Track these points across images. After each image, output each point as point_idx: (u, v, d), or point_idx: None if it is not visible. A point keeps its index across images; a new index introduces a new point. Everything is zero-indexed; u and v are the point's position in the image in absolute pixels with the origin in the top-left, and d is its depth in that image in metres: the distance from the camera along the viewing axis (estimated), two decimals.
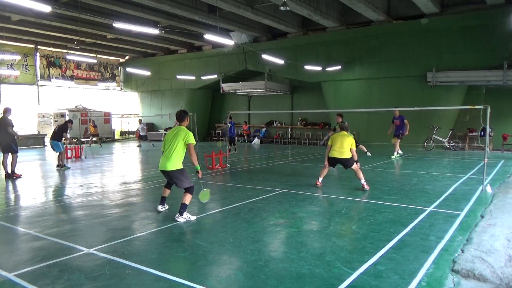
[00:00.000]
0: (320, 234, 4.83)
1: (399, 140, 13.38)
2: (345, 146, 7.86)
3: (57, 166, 11.49)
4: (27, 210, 6.27)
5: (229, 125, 14.81)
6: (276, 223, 5.33)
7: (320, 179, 8.13)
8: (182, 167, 5.64)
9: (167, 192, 6.10)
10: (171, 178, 5.72)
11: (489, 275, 3.47)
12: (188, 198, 5.54)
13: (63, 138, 11.78)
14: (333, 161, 8.04)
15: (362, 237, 4.59)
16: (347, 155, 7.83)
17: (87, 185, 8.62)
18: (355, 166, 7.83)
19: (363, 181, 7.72)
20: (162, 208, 6.05)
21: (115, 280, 3.47)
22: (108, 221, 5.53)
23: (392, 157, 13.32)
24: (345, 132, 8.08)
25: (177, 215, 5.46)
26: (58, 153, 11.61)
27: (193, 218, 5.54)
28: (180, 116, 5.74)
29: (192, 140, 5.54)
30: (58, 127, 12.08)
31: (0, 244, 4.60)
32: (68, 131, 12.45)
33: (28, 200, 7.06)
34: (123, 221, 5.55)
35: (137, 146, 20.46)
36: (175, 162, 5.54)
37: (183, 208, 5.48)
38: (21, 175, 9.94)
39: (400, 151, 13.60)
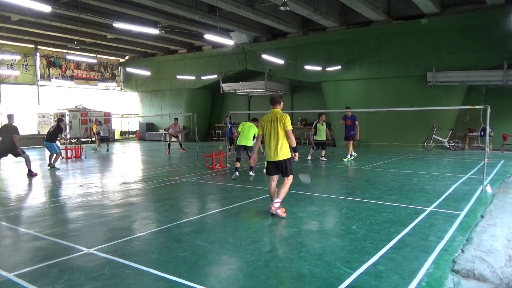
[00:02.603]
0: (320, 234, 4.83)
1: (351, 142, 12.88)
2: (280, 135, 5.41)
3: (52, 166, 11.50)
4: (27, 210, 6.27)
5: (229, 125, 14.84)
6: (276, 223, 5.33)
7: (276, 204, 5.50)
8: (252, 145, 9.41)
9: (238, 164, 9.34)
10: (245, 150, 9.85)
11: (489, 275, 3.47)
12: (253, 161, 7.11)
13: (58, 140, 11.81)
14: (272, 168, 5.68)
15: (362, 237, 4.59)
16: (284, 153, 5.44)
17: (87, 185, 8.62)
18: (289, 179, 5.62)
19: (277, 200, 5.46)
20: (237, 173, 9.18)
21: (115, 280, 3.47)
22: (108, 221, 5.53)
23: (344, 159, 12.73)
24: (277, 110, 5.59)
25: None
26: (54, 154, 11.66)
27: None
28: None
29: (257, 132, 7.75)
30: (53, 129, 12.08)
31: (0, 244, 4.60)
32: (64, 132, 12.52)
33: (28, 200, 7.06)
34: (123, 221, 5.55)
35: (93, 149, 18.70)
36: (251, 141, 9.62)
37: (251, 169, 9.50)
38: (36, 173, 10.33)
39: (354, 153, 12.99)
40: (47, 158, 12.01)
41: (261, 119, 5.84)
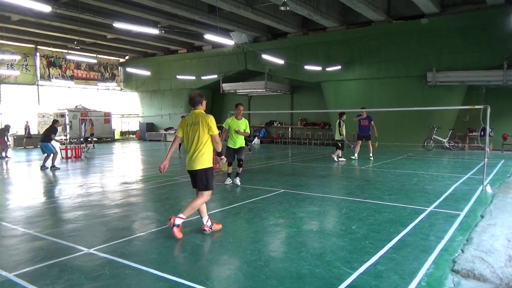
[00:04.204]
0: (320, 234, 4.83)
1: (370, 141, 12.97)
2: (202, 140, 4.63)
3: (51, 167, 11.51)
4: (27, 210, 6.27)
5: None
6: (276, 223, 5.33)
7: (177, 221, 4.56)
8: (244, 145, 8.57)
9: (230, 168, 8.70)
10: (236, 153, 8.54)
11: (489, 275, 3.47)
12: (240, 169, 8.67)
13: (52, 140, 11.82)
14: (192, 178, 4.79)
15: (362, 237, 4.59)
16: (203, 162, 4.63)
17: (87, 185, 8.62)
18: (204, 194, 4.70)
19: (180, 216, 4.59)
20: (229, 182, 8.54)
21: (115, 280, 3.47)
22: (108, 221, 5.53)
23: (370, 158, 12.80)
24: (198, 111, 4.76)
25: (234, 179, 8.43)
26: (51, 154, 11.66)
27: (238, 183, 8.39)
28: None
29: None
30: (47, 129, 12.09)
31: (0, 244, 4.60)
32: (61, 132, 12.62)
33: (28, 200, 7.06)
34: (123, 221, 5.55)
35: (87, 150, 17.40)
36: (242, 142, 8.55)
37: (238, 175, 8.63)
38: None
39: (356, 155, 12.99)
40: (43, 160, 11.98)
41: (180, 121, 4.98)
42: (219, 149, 4.97)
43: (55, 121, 12.46)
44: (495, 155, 14.37)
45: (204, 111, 4.85)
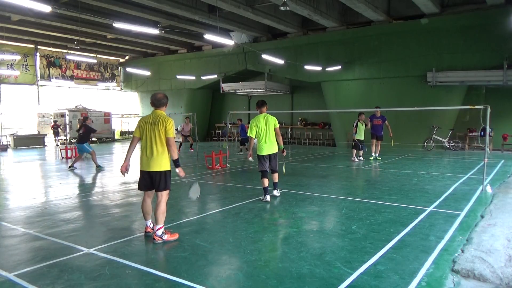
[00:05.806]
0: (320, 234, 4.83)
1: (380, 142, 13.06)
2: (161, 141, 4.54)
3: (96, 167, 11.34)
4: (27, 210, 6.27)
5: (240, 127, 16.28)
6: (276, 223, 5.33)
7: (159, 232, 4.56)
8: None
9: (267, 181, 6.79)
10: (270, 160, 6.77)
11: (489, 275, 3.47)
12: (276, 177, 6.96)
13: (87, 140, 11.68)
14: (145, 181, 4.71)
15: (362, 237, 4.59)
16: (164, 163, 4.57)
17: (87, 185, 8.62)
18: (163, 195, 4.64)
19: (158, 227, 4.56)
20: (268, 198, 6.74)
21: (115, 280, 3.47)
22: (108, 221, 5.53)
23: (378, 158, 12.96)
24: (160, 112, 4.67)
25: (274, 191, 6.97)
26: (89, 154, 11.62)
27: (279, 194, 7.00)
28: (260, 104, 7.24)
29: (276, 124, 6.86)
30: (83, 131, 11.48)
31: (0, 244, 4.60)
32: (62, 132, 12.47)
33: (28, 200, 7.06)
34: (123, 221, 5.56)
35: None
36: (276, 146, 6.79)
37: (275, 185, 6.99)
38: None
39: (372, 153, 13.10)
40: (93, 160, 11.71)
41: (138, 120, 4.78)
42: (174, 155, 4.57)
43: (85, 119, 11.91)
44: (495, 155, 14.37)
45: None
